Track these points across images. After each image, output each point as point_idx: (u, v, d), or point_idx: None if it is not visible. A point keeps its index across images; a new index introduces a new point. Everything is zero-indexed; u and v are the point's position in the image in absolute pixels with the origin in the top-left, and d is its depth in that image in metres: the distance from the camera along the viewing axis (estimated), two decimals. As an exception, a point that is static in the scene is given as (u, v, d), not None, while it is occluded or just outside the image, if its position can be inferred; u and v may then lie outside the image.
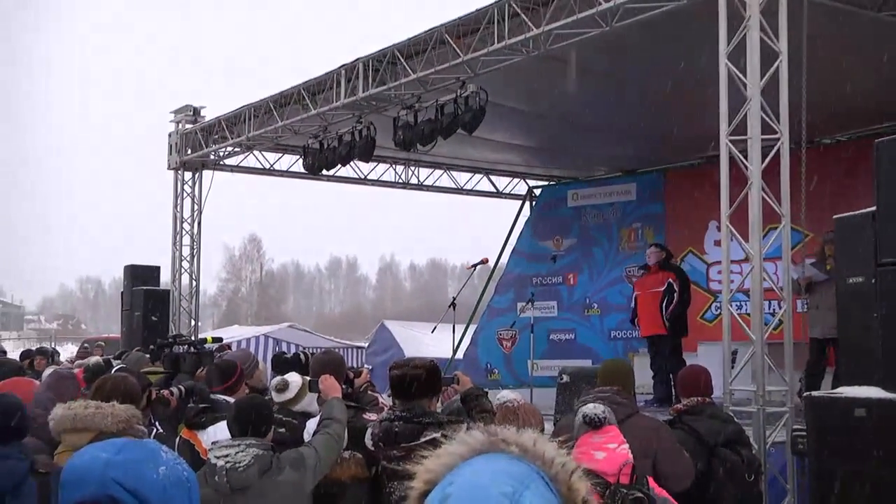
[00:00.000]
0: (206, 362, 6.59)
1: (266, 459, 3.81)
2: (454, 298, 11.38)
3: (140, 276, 14.87)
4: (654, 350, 10.53)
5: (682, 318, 10.37)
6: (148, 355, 9.07)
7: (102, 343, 17.69)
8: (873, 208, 5.93)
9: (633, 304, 10.96)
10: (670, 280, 10.24)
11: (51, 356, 10.08)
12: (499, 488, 1.15)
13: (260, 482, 3.76)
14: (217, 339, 10.33)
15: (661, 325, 10.20)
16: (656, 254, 10.56)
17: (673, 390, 8.29)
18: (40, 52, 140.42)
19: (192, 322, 14.78)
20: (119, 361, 8.77)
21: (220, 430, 4.45)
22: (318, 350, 11.11)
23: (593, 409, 4.27)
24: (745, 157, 6.62)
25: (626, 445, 4.17)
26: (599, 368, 5.65)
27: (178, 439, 4.81)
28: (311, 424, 4.58)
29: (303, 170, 13.33)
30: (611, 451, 4.14)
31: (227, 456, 3.76)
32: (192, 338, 9.96)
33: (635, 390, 5.96)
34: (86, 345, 17.62)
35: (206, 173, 14.61)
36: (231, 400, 4.76)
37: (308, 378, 4.95)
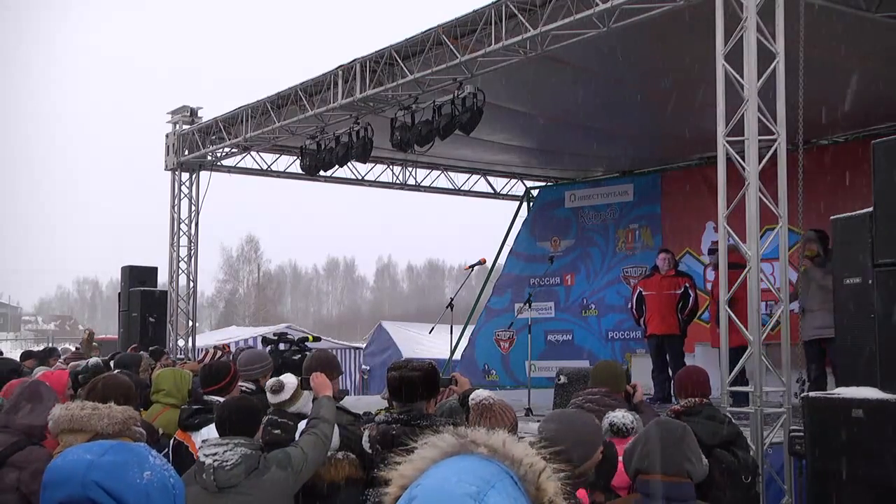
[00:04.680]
0: None
1: (253, 459, 3.81)
2: (452, 299, 11.34)
3: (137, 277, 14.87)
4: (657, 349, 10.78)
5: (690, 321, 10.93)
6: (146, 355, 9.07)
7: (97, 344, 17.62)
8: (870, 209, 5.93)
9: (634, 302, 11.18)
10: (687, 285, 10.75)
11: (41, 359, 10.06)
12: (463, 489, 1.17)
13: (246, 481, 3.76)
14: (317, 339, 10.48)
15: (675, 326, 10.65)
16: (669, 259, 10.99)
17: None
18: (37, 53, 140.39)
19: (190, 323, 14.76)
20: (146, 354, 8.77)
21: (212, 432, 4.44)
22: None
23: (621, 417, 4.20)
24: (743, 158, 6.61)
25: None
26: (591, 370, 5.65)
27: (172, 441, 4.79)
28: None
29: (300, 171, 13.31)
30: (623, 463, 4.07)
31: (215, 454, 3.76)
32: (296, 338, 10.01)
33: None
34: (76, 347, 17.52)
35: (204, 174, 14.59)
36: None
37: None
